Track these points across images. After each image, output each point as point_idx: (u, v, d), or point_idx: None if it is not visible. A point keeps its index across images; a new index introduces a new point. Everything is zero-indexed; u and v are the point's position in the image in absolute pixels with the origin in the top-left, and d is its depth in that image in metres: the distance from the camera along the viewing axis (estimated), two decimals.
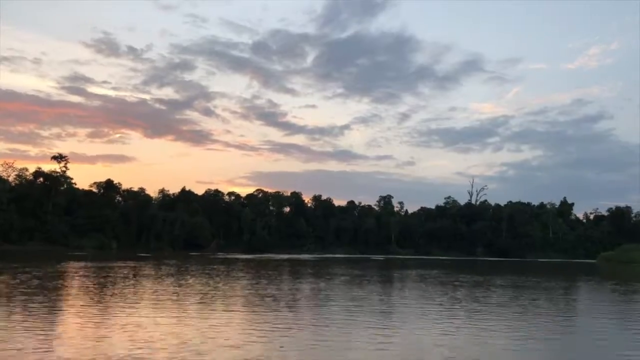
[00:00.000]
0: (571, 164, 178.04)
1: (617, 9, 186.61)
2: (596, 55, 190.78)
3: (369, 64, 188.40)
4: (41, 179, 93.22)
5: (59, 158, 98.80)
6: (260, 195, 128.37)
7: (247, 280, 32.36)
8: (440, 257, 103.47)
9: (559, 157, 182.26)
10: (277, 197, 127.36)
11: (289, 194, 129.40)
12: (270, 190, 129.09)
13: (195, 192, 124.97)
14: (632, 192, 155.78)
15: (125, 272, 35.98)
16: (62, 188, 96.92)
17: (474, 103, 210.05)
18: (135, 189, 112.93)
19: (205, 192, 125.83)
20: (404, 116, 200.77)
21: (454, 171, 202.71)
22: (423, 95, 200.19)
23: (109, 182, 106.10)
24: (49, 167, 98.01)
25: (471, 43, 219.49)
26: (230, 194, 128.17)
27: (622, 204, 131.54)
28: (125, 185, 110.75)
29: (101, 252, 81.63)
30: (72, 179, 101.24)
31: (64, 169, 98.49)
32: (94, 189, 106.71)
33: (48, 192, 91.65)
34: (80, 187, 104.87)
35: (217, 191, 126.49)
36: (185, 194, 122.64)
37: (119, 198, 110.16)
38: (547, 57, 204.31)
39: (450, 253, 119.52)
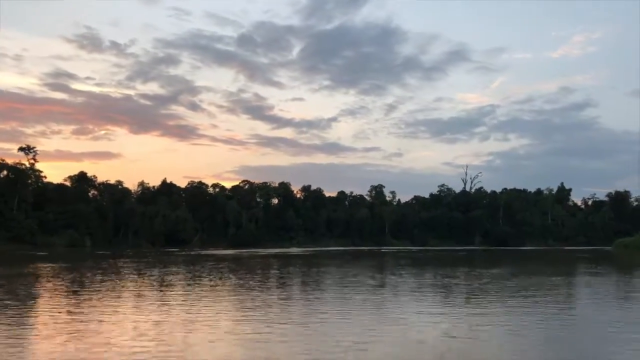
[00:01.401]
0: (558, 152, 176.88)
1: None
2: (580, 44, 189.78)
3: (354, 55, 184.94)
4: (5, 172, 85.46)
5: (26, 150, 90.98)
6: (246, 186, 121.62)
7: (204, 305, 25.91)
8: (446, 248, 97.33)
9: (546, 145, 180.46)
10: (265, 188, 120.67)
11: (276, 185, 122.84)
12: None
13: (178, 185, 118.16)
14: (619, 179, 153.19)
15: (59, 277, 29.51)
16: (29, 182, 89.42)
17: (460, 93, 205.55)
18: (112, 181, 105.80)
19: (188, 184, 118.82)
20: (391, 107, 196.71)
21: (442, 162, 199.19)
22: (409, 86, 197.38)
23: (82, 175, 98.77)
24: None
25: (457, 33, 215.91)
26: (214, 185, 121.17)
27: (606, 191, 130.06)
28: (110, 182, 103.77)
29: (72, 250, 74.67)
30: (41, 171, 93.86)
31: (32, 161, 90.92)
32: (68, 183, 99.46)
33: (14, 186, 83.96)
34: (55, 182, 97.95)
35: (200, 183, 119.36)
36: (167, 187, 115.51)
37: (94, 192, 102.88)
38: (532, 46, 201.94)
39: (447, 243, 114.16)
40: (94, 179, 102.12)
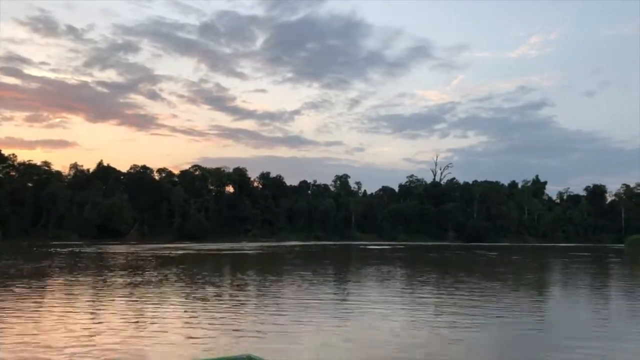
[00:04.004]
0: (515, 150, 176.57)
1: None
2: (537, 44, 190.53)
3: (319, 48, 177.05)
4: None
5: None
6: (196, 172, 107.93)
7: None
8: (422, 243, 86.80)
9: (504, 143, 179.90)
10: (217, 175, 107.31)
11: (230, 171, 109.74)
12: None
13: (118, 169, 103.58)
14: (572, 177, 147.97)
15: None
16: None
17: (422, 90, 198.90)
18: (37, 162, 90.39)
19: (130, 168, 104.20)
20: (354, 102, 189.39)
21: (402, 157, 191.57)
22: (372, 81, 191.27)
23: None
24: None
25: (420, 29, 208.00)
26: (160, 170, 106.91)
27: (564, 188, 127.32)
28: None
29: None
30: None
31: None
32: None
33: None
34: None
35: (144, 167, 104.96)
36: (104, 170, 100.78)
37: (12, 173, 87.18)
38: (492, 45, 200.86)
39: (418, 237, 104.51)
40: (12, 159, 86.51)
